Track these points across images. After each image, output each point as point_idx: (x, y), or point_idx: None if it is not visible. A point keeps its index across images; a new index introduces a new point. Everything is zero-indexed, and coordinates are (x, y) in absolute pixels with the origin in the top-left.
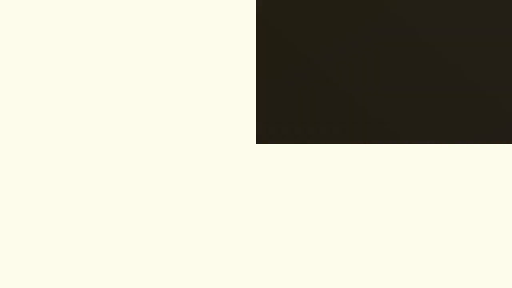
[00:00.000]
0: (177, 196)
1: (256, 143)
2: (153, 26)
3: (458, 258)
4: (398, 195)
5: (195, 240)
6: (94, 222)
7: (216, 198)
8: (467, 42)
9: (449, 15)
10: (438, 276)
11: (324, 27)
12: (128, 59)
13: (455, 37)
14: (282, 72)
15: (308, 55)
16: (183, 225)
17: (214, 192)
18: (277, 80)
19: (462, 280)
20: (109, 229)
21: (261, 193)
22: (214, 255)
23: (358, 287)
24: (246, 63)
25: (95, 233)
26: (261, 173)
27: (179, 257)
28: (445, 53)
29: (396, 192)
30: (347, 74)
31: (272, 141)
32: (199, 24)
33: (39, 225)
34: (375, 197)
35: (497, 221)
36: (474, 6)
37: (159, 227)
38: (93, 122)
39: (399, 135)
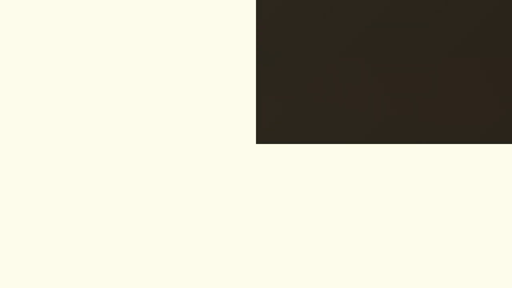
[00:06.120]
0: (177, 196)
1: (256, 143)
2: (153, 27)
3: (458, 258)
4: (398, 195)
5: (195, 240)
6: (95, 222)
7: (216, 198)
8: (466, 41)
9: (447, 14)
10: (438, 276)
11: (324, 27)
12: (128, 60)
13: (453, 37)
14: (282, 72)
15: (308, 55)
16: (183, 225)
17: (214, 191)
18: (277, 80)
19: (462, 280)
20: (108, 229)
21: (261, 193)
22: (214, 255)
23: (358, 287)
24: (246, 63)
25: (96, 233)
26: (261, 173)
27: (179, 257)
28: (444, 53)
29: (396, 192)
30: (347, 74)
31: (272, 141)
32: (199, 25)
33: (38, 225)
34: (374, 197)
35: (497, 221)
36: (473, 6)
37: (159, 227)
38: (94, 123)
39: (398, 135)
